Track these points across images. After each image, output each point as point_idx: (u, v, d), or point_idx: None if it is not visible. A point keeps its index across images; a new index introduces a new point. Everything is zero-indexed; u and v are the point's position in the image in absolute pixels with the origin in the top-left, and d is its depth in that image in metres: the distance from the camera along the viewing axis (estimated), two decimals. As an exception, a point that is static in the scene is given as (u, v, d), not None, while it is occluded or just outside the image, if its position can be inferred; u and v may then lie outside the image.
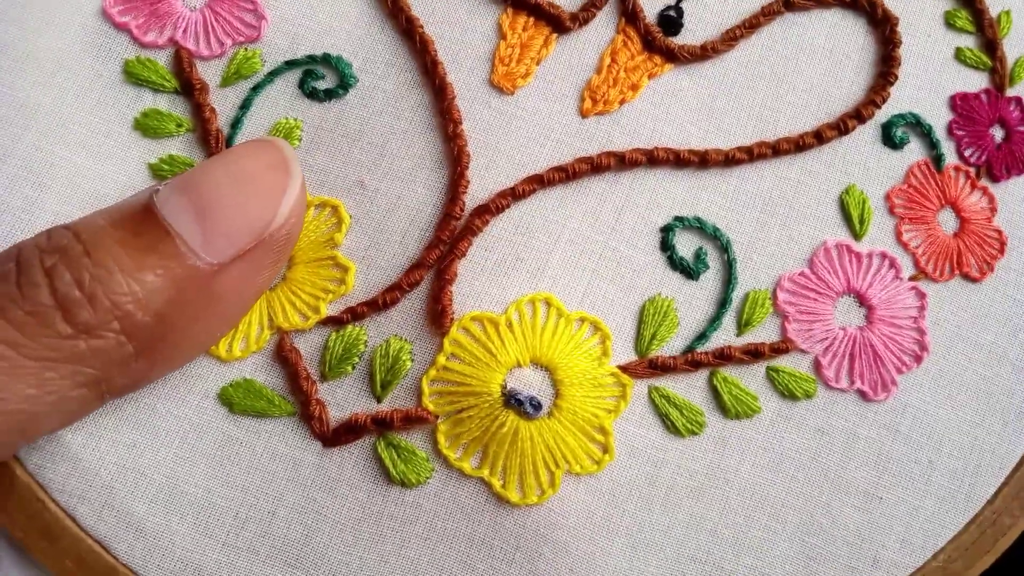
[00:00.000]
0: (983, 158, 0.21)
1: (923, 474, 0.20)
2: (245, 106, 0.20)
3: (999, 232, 0.21)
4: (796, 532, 0.19)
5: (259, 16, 0.20)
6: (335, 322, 0.19)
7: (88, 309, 0.16)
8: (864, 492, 0.19)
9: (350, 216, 0.19)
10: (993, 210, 0.21)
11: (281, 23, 0.20)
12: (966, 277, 0.21)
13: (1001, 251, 0.21)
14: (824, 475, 0.19)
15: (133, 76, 0.20)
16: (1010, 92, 0.22)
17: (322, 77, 0.20)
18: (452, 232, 0.19)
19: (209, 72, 0.20)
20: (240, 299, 0.18)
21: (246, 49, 0.20)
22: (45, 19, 0.20)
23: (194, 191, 0.17)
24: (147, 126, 0.20)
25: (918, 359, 0.20)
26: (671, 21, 0.21)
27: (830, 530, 0.19)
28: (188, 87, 0.20)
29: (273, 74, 0.20)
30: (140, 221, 0.16)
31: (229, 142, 0.20)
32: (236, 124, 0.20)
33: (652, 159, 0.20)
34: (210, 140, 0.20)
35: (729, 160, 0.20)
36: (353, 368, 0.19)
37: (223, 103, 0.20)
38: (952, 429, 0.20)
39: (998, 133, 0.22)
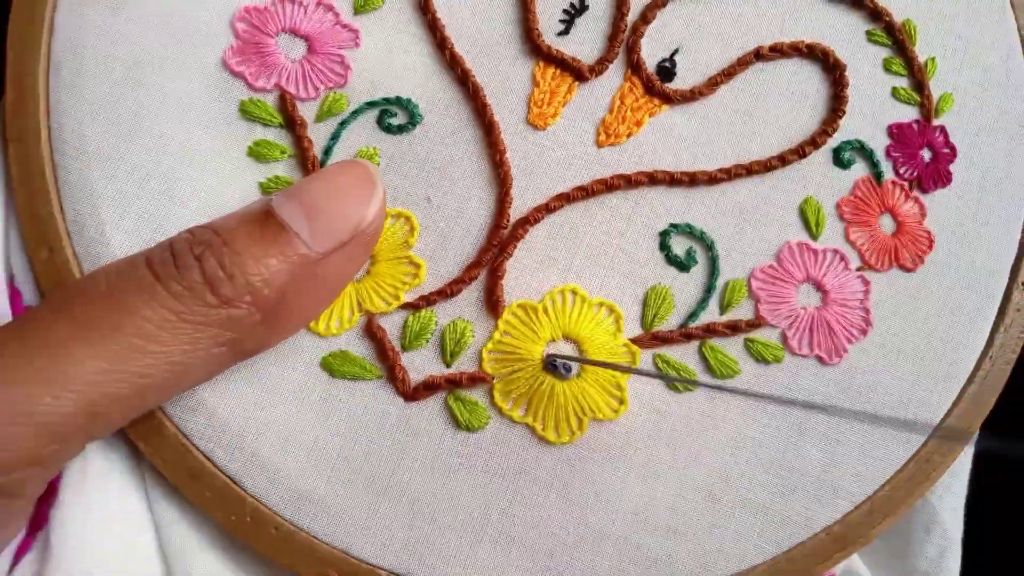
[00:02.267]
0: (915, 174, 0.27)
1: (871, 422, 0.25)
2: (334, 137, 0.25)
3: (928, 232, 0.26)
4: (771, 467, 0.24)
5: (345, 67, 0.25)
6: (412, 307, 0.24)
7: (229, 285, 0.20)
8: (824, 436, 0.24)
9: (420, 224, 0.25)
10: (923, 215, 0.26)
11: (362, 72, 0.25)
12: (902, 268, 0.26)
13: (930, 247, 0.26)
14: (792, 423, 0.24)
15: (247, 113, 0.25)
16: (936, 122, 0.27)
17: (395, 115, 0.25)
18: (500, 238, 0.25)
19: (306, 111, 0.25)
20: (337, 281, 0.22)
21: (335, 93, 0.25)
22: (178, 68, 0.24)
23: (303, 198, 0.21)
24: (258, 153, 0.25)
25: (864, 332, 0.25)
26: (666, 71, 0.27)
27: (798, 466, 0.24)
28: (290, 123, 0.25)
29: (356, 112, 0.25)
30: (263, 220, 0.20)
31: (322, 166, 0.25)
32: (327, 151, 0.25)
33: (652, 179, 0.26)
34: (307, 164, 0.24)
35: (712, 179, 0.26)
36: (427, 342, 0.24)
37: (317, 135, 0.25)
38: (894, 387, 0.24)
39: (927, 154, 0.27)
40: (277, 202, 0.21)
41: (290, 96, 0.25)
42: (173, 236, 0.21)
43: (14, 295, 0.24)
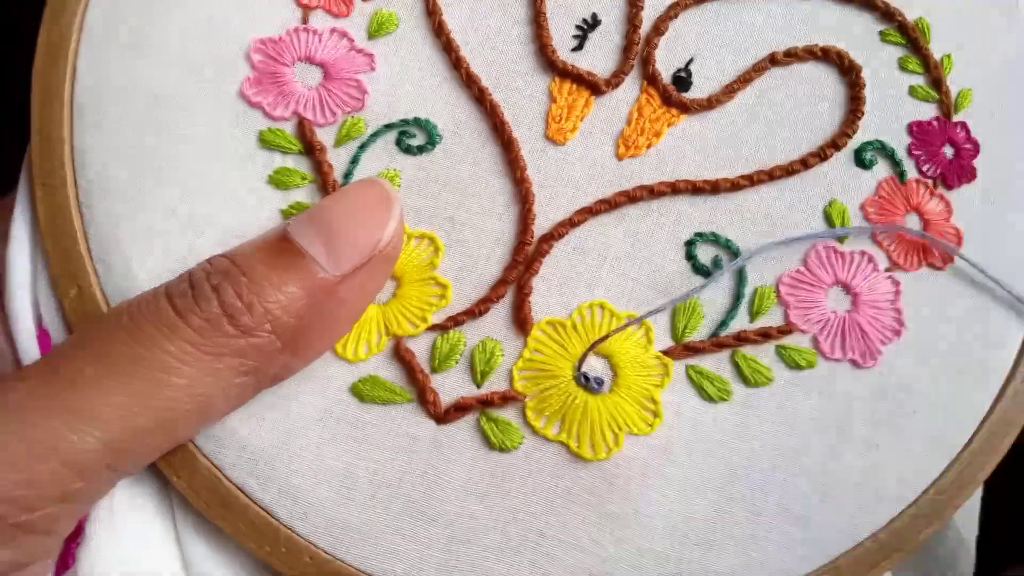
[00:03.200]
0: (938, 171, 0.27)
1: (910, 424, 0.24)
2: (354, 161, 0.25)
3: (956, 229, 0.26)
4: (811, 475, 0.23)
5: (362, 91, 0.25)
6: (440, 328, 0.24)
7: (247, 315, 0.20)
8: (863, 441, 0.24)
9: (444, 245, 0.25)
10: (949, 212, 0.26)
11: (379, 95, 0.25)
12: (932, 266, 0.26)
13: (959, 244, 0.26)
14: (829, 429, 0.24)
15: (266, 142, 0.25)
16: (956, 118, 0.27)
17: (414, 136, 0.25)
18: (526, 255, 0.25)
19: (325, 135, 0.25)
20: (358, 302, 0.22)
21: (353, 117, 0.25)
22: (197, 104, 0.25)
23: (319, 221, 0.21)
24: (279, 180, 0.25)
25: (897, 333, 0.25)
26: (683, 81, 0.27)
27: (838, 473, 0.23)
28: (310, 148, 0.25)
29: (375, 135, 0.25)
30: (280, 247, 0.21)
31: None
32: (348, 175, 0.25)
33: (675, 189, 0.26)
34: (328, 188, 0.24)
35: (735, 186, 0.26)
36: (456, 363, 0.24)
37: (337, 160, 0.25)
38: (931, 386, 0.24)
39: (949, 151, 0.27)
40: (293, 228, 0.21)
41: (308, 122, 0.25)
42: (192, 267, 0.21)
43: (42, 336, 0.24)
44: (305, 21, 0.26)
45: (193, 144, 0.24)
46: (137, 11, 0.25)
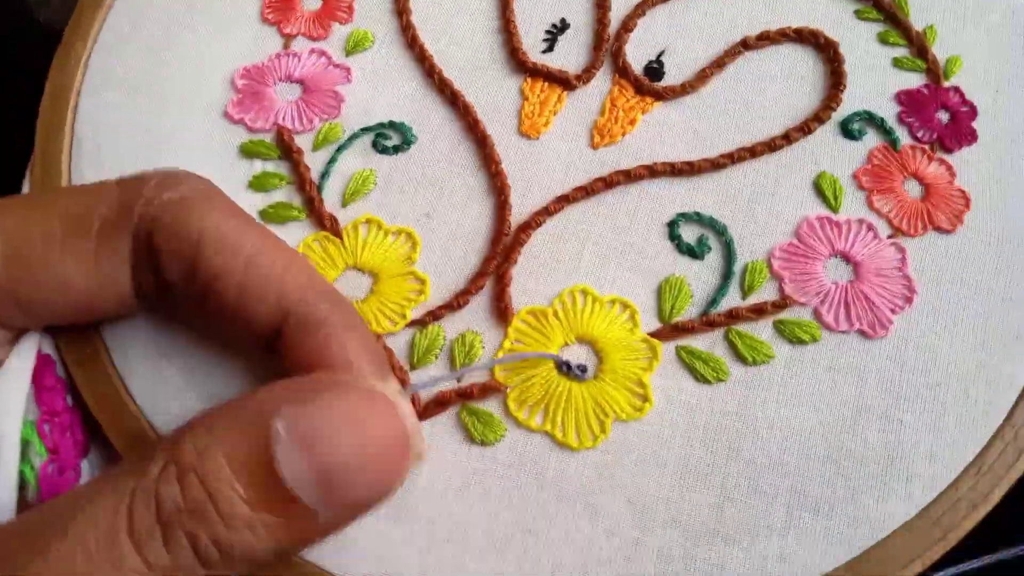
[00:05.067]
0: (934, 136, 0.25)
1: (934, 396, 0.22)
2: (331, 162, 0.25)
3: (962, 191, 0.24)
4: (828, 455, 0.21)
5: (339, 100, 0.26)
6: (419, 323, 0.24)
7: (222, 562, 0.17)
8: (884, 416, 0.21)
9: (421, 239, 0.25)
10: (952, 175, 0.25)
11: (356, 102, 0.26)
12: (939, 230, 0.24)
13: (967, 206, 0.24)
14: (843, 404, 0.22)
15: (246, 152, 0.26)
16: (948, 84, 0.26)
17: (390, 137, 0.26)
18: (504, 245, 0.24)
19: (303, 142, 0.26)
20: (344, 526, 0.19)
21: (331, 123, 0.26)
22: (186, 136, 0.26)
23: (316, 452, 0.17)
24: (259, 183, 0.25)
25: (909, 300, 0.23)
26: (655, 71, 0.27)
27: (859, 452, 0.21)
28: (288, 152, 0.25)
29: (352, 138, 0.26)
30: (263, 478, 0.17)
31: (319, 188, 0.25)
32: (325, 175, 0.25)
33: (653, 172, 0.25)
34: (305, 187, 0.25)
35: (716, 165, 0.25)
36: (436, 358, 0.23)
37: (314, 162, 0.25)
38: (955, 356, 0.22)
39: (944, 116, 0.26)
40: (283, 449, 0.17)
41: (287, 130, 0.26)
42: (159, 480, 0.17)
43: (42, 361, 0.24)
44: (287, 47, 0.27)
45: (186, 157, 0.26)
46: (136, 54, 0.27)
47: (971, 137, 0.25)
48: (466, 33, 0.27)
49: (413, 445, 0.19)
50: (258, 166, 0.26)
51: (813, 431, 0.22)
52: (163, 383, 0.22)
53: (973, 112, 0.26)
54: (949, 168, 0.25)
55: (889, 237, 0.24)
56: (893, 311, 0.23)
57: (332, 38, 0.28)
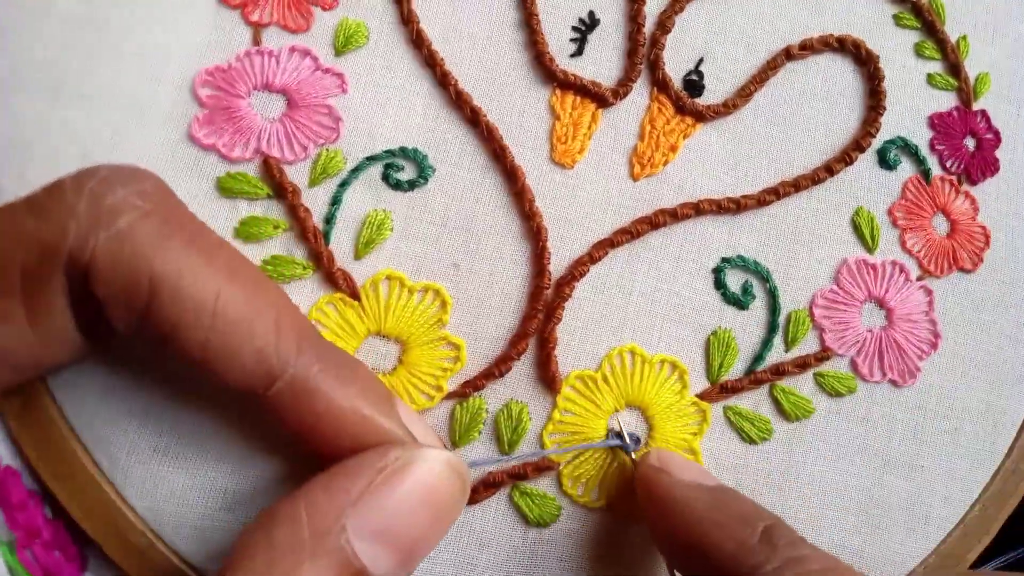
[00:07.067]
0: (961, 166, 0.25)
1: (952, 441, 0.23)
2: (335, 202, 0.21)
3: (983, 227, 0.25)
4: (860, 506, 0.22)
5: (335, 118, 0.21)
6: (457, 395, 0.21)
7: None
8: (908, 464, 0.23)
9: (451, 297, 0.22)
10: (976, 210, 0.25)
11: (356, 122, 0.22)
12: (962, 270, 0.25)
13: (987, 243, 0.25)
14: (874, 455, 0.23)
15: (226, 190, 0.21)
16: (976, 106, 0.26)
17: (402, 169, 0.22)
18: (545, 302, 0.22)
19: (297, 175, 0.21)
20: None
21: (328, 150, 0.21)
22: (137, 153, 0.20)
23: (395, 537, 0.17)
24: (248, 233, 0.21)
25: (934, 346, 0.24)
26: (694, 84, 0.24)
27: (886, 500, 0.23)
28: (280, 191, 0.21)
29: (356, 170, 0.21)
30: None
31: (327, 237, 0.21)
32: (330, 220, 0.21)
33: (698, 211, 0.23)
34: (308, 237, 0.21)
35: (760, 202, 0.23)
36: (479, 433, 0.21)
37: (314, 202, 0.21)
38: (970, 399, 0.23)
39: (970, 143, 0.26)
40: (368, 561, 0.16)
41: (275, 161, 0.21)
42: None
43: (5, 473, 0.19)
44: (257, 42, 0.21)
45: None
46: (68, 56, 0.20)
47: (994, 167, 0.25)
48: (480, 29, 0.23)
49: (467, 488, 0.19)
50: (244, 208, 0.21)
51: (847, 484, 0.23)
52: (163, 482, 0.19)
53: (997, 139, 0.25)
54: (973, 202, 0.25)
55: (918, 279, 0.24)
56: (920, 357, 0.24)
57: (315, 30, 0.22)
